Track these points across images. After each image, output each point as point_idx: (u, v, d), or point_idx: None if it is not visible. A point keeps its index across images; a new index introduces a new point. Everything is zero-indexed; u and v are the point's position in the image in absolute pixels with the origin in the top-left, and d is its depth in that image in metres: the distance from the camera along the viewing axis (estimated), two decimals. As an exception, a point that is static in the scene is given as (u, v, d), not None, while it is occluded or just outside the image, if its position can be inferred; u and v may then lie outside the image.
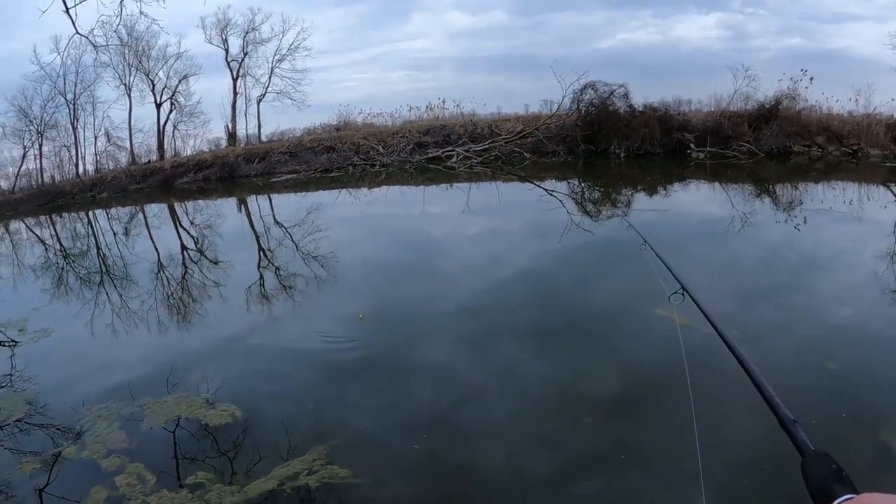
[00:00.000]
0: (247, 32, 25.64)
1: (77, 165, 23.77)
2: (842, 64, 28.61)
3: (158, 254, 12.11)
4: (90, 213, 19.10)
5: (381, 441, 4.64)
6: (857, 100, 20.27)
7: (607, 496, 3.93)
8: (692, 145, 20.22)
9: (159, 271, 10.70)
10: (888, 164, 17.81)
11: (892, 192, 14.97)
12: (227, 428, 4.84)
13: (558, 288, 8.22)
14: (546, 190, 16.19)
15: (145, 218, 17.60)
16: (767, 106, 19.94)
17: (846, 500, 0.78)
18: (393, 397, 5.36)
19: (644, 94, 21.46)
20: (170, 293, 9.43)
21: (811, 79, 19.87)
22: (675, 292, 2.23)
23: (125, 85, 24.43)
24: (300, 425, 4.86)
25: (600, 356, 6.01)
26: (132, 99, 24.71)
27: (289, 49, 26.07)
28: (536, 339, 6.47)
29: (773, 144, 19.48)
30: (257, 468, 4.23)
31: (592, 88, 20.77)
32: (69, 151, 23.68)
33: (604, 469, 4.19)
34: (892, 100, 19.51)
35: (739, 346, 1.54)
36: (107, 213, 18.65)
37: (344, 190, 19.03)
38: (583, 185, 17.93)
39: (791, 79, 19.96)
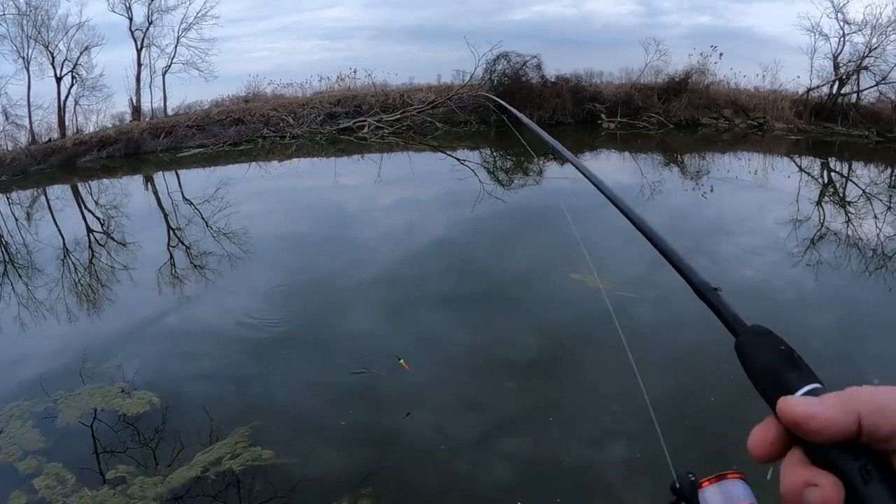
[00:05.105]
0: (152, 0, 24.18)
1: (-27, 148, 21.92)
2: (748, 41, 30.18)
3: (64, 239, 11.47)
4: (-11, 198, 17.83)
5: (305, 418, 4.71)
6: (763, 76, 21.72)
7: (535, 455, 4.17)
8: (603, 116, 20.90)
9: (65, 257, 10.17)
10: (792, 136, 19.10)
11: (794, 162, 16.03)
12: (145, 417, 4.77)
13: (473, 255, 8.45)
14: (458, 160, 16.38)
15: (48, 201, 16.55)
16: (677, 79, 20.90)
17: (812, 389, 0.55)
18: (314, 373, 5.43)
19: (556, 66, 21.93)
20: (78, 279, 9.02)
21: (720, 54, 21.01)
22: None
23: (23, 58, 22.45)
24: (221, 408, 4.86)
25: (520, 319, 6.24)
26: (31, 73, 22.82)
27: (196, 17, 24.70)
28: (455, 306, 6.66)
29: (682, 116, 20.47)
30: (179, 456, 4.22)
31: (505, 59, 21.02)
32: (-36, 133, 21.82)
33: (528, 429, 4.42)
34: (798, 77, 21.04)
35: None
36: (7, 198, 17.40)
37: (254, 163, 18.50)
38: (495, 154, 18.22)
39: (701, 54, 21.03)
